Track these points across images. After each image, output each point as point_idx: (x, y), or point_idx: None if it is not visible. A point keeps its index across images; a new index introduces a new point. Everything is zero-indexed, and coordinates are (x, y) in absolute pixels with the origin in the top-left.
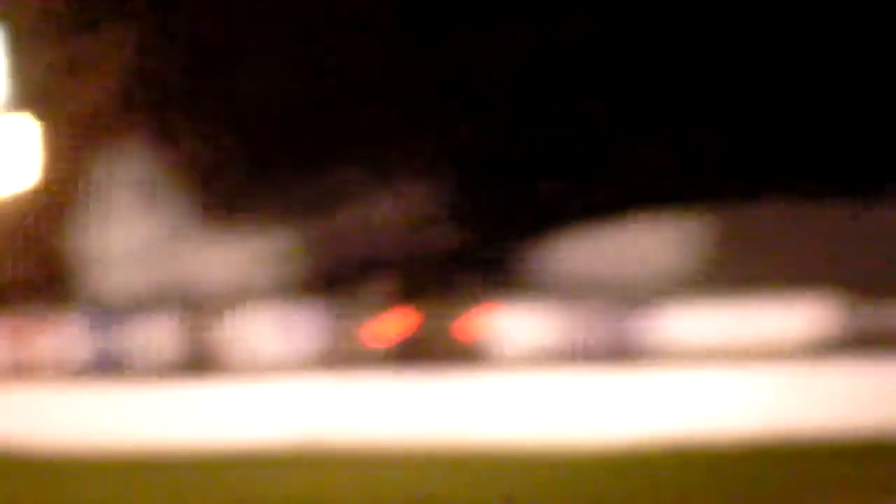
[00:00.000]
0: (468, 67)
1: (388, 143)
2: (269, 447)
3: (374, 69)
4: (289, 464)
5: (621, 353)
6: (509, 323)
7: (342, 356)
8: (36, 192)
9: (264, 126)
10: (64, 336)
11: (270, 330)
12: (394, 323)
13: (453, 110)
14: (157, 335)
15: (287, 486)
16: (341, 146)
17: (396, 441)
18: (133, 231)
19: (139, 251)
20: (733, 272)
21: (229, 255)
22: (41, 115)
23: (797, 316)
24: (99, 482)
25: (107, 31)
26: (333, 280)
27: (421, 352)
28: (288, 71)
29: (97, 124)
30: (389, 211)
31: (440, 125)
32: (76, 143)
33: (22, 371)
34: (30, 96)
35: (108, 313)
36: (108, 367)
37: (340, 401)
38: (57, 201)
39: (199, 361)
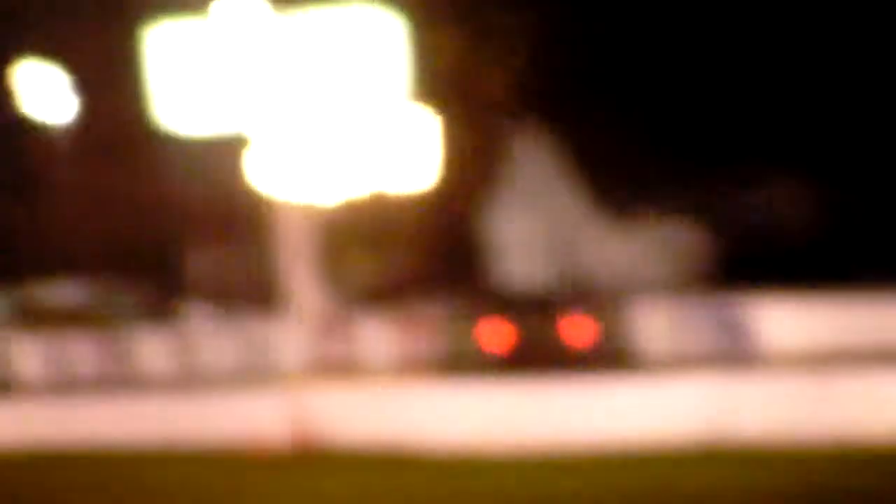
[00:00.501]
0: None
1: (771, 142)
2: (668, 445)
3: (773, 65)
4: (691, 462)
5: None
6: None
7: (739, 353)
8: (438, 185)
9: (663, 118)
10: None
11: (668, 325)
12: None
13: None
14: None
15: (691, 485)
16: (736, 141)
17: (788, 440)
18: (534, 222)
19: (540, 243)
20: None
21: (628, 247)
22: (441, 107)
23: None
24: (492, 480)
25: (507, 21)
26: (729, 274)
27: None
28: (684, 64)
29: (497, 115)
30: (769, 207)
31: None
32: (476, 135)
33: (419, 366)
34: (430, 88)
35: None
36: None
37: (740, 398)
38: (459, 193)
39: (596, 357)
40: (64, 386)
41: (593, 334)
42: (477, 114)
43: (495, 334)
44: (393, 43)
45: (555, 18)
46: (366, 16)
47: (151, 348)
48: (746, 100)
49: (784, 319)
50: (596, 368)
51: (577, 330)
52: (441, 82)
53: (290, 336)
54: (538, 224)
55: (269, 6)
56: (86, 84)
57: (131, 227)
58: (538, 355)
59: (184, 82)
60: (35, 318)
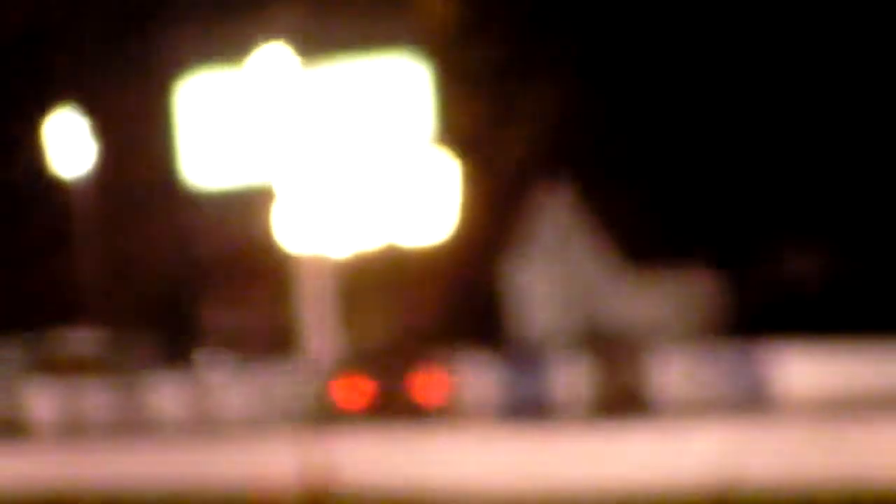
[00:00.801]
0: None
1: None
2: (687, 491)
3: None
4: None
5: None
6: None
7: (754, 399)
8: (458, 234)
9: (683, 178)
10: (484, 377)
11: (686, 372)
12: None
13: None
14: (577, 377)
15: None
16: (754, 201)
17: (819, 486)
18: (555, 271)
19: (560, 295)
20: None
21: (646, 299)
22: (464, 157)
23: None
24: None
25: (536, 82)
26: (742, 326)
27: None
28: (704, 128)
29: (520, 171)
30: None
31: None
32: (498, 187)
33: (442, 414)
34: (453, 138)
35: (529, 356)
36: (526, 408)
37: (757, 444)
38: (479, 244)
39: (617, 403)
40: (78, 431)
41: (446, 390)
42: (499, 166)
43: (351, 390)
44: (418, 94)
45: (582, 77)
46: (392, 67)
47: (166, 395)
48: (763, 164)
49: (799, 367)
50: (449, 423)
51: (430, 386)
52: (465, 134)
53: (304, 383)
54: (559, 275)
55: (297, 59)
56: (111, 136)
57: (150, 277)
58: (393, 410)
59: (210, 134)
60: (51, 366)
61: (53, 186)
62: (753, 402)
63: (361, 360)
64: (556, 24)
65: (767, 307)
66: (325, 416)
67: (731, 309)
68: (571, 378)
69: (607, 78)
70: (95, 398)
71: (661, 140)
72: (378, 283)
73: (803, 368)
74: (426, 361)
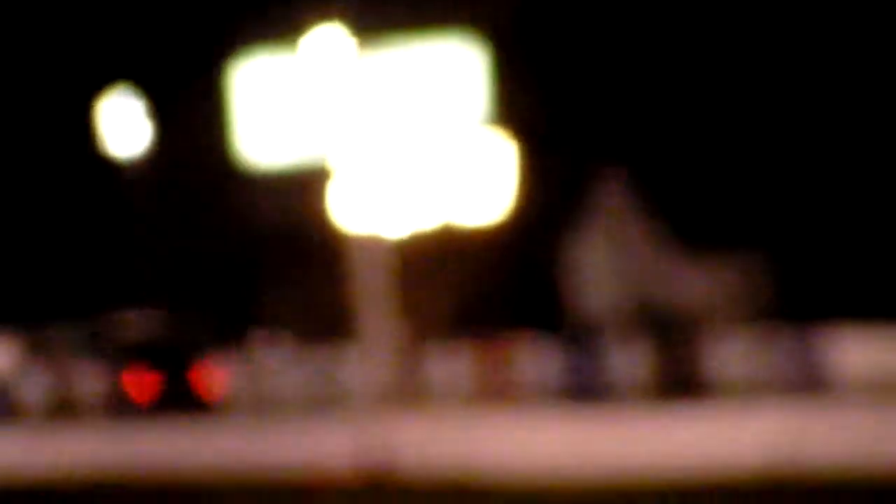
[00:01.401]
0: None
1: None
2: (746, 473)
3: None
4: (767, 491)
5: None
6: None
7: (810, 382)
8: (514, 215)
9: (743, 158)
10: (541, 359)
11: (742, 354)
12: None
13: None
14: (634, 359)
15: None
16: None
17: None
18: (611, 254)
19: (617, 274)
20: None
21: (703, 280)
22: (520, 138)
23: None
24: None
25: (589, 61)
26: (797, 310)
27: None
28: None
29: (577, 152)
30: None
31: None
32: (555, 168)
33: (496, 394)
34: (510, 118)
35: (586, 336)
36: (584, 390)
37: (813, 427)
38: (535, 225)
39: (674, 385)
40: (130, 412)
41: (225, 384)
42: (556, 148)
43: (138, 383)
44: (473, 76)
45: (639, 61)
46: (447, 51)
47: (225, 377)
48: (817, 155)
49: (854, 350)
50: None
51: (209, 380)
52: (521, 114)
53: (362, 365)
54: (616, 257)
55: (353, 42)
56: (167, 117)
57: (208, 257)
58: (176, 404)
59: (266, 115)
60: (109, 348)
61: (109, 167)
62: (809, 384)
63: (145, 351)
64: (612, 14)
65: (822, 291)
66: (123, 408)
67: (786, 293)
68: (628, 360)
69: (662, 62)
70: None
71: (716, 125)
72: (434, 262)
73: (858, 351)
74: (206, 354)
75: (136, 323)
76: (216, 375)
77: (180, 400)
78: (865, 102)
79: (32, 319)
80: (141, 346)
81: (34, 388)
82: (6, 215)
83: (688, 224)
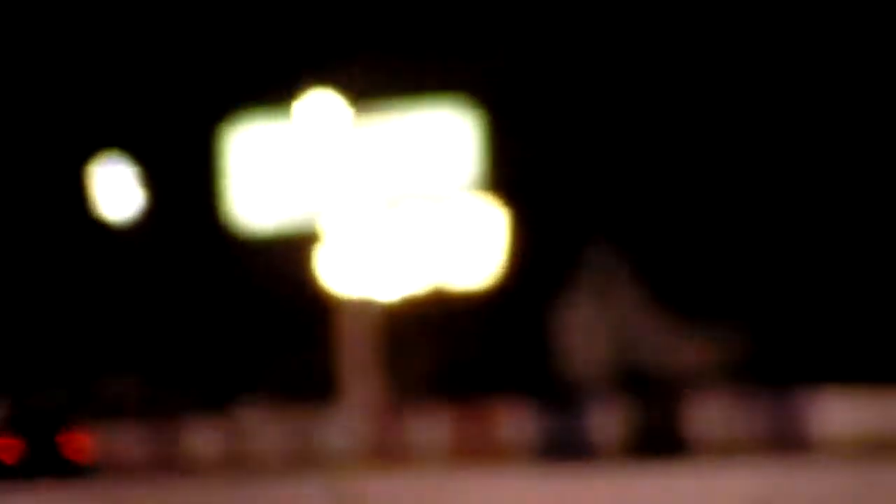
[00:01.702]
0: None
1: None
2: None
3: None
4: None
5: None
6: None
7: (789, 442)
8: (503, 278)
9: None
10: (523, 419)
11: (722, 414)
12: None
13: None
14: (613, 418)
15: None
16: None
17: None
18: (598, 316)
19: (602, 336)
20: None
21: (686, 344)
22: (510, 201)
23: None
24: None
25: (578, 130)
26: (776, 373)
27: None
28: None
29: (567, 217)
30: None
31: None
32: (544, 232)
33: (475, 454)
34: (499, 184)
35: (567, 396)
36: (564, 449)
37: (791, 486)
38: (523, 288)
39: (655, 444)
40: (115, 471)
41: (91, 449)
42: (546, 212)
43: (4, 446)
44: (465, 142)
45: (629, 130)
46: (439, 116)
47: (203, 436)
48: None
49: (833, 411)
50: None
51: (78, 444)
52: (512, 180)
53: (342, 424)
54: (601, 320)
55: (346, 107)
56: (158, 181)
57: (193, 319)
58: (43, 467)
59: (260, 178)
60: (92, 410)
61: (100, 231)
62: (788, 444)
63: (15, 417)
64: (605, 80)
65: (802, 355)
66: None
67: (766, 356)
68: (609, 418)
69: (657, 132)
70: (132, 439)
71: (707, 199)
72: (420, 324)
73: (837, 412)
74: (74, 419)
75: (121, 385)
76: (86, 440)
77: (47, 464)
78: (834, 182)
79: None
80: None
81: None
82: None
83: (672, 291)
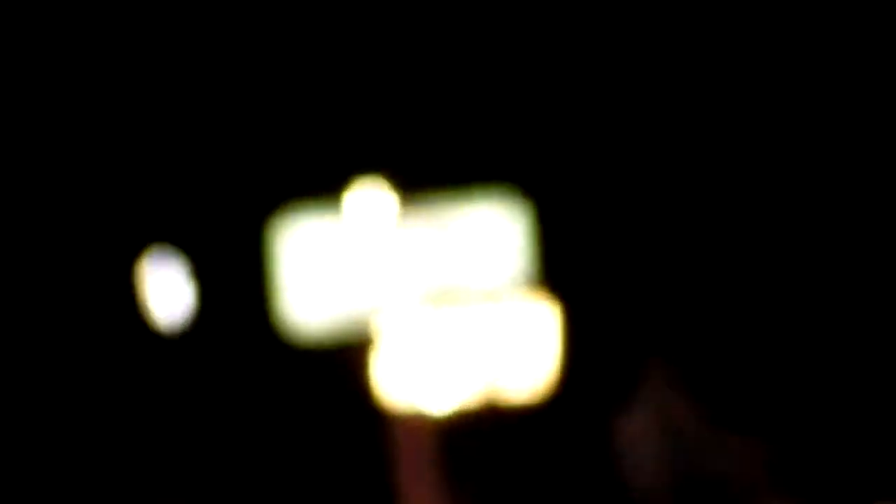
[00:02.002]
0: None
1: None
2: None
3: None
4: None
5: None
6: None
7: None
8: (557, 387)
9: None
10: None
11: None
12: None
13: None
14: None
15: None
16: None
17: None
18: (655, 431)
19: (660, 451)
20: None
21: (740, 458)
22: (565, 303)
23: None
24: None
25: (633, 229)
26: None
27: None
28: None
29: (622, 320)
30: None
31: None
32: (600, 335)
33: None
34: (549, 281)
35: None
36: None
37: None
38: (580, 394)
39: None
40: None
41: None
42: (603, 313)
43: None
44: (515, 242)
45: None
46: (490, 211)
47: None
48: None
49: None
50: None
51: None
52: (566, 279)
53: None
54: (660, 432)
55: (397, 205)
56: (208, 280)
57: (242, 434)
58: None
59: (310, 277)
60: None
61: (149, 333)
62: None
63: None
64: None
65: (859, 469)
66: None
67: (825, 470)
68: None
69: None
70: None
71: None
72: (477, 438)
73: None
74: None
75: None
76: None
77: None
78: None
79: None
80: None
81: None
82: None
83: (724, 404)
